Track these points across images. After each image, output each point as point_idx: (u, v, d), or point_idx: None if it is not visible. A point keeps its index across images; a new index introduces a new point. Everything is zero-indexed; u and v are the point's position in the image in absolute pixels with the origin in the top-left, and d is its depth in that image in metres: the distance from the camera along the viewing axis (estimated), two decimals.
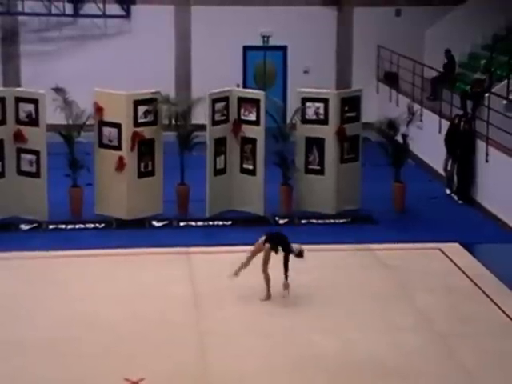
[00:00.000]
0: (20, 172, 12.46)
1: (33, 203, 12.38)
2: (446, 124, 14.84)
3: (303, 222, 12.81)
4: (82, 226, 12.24)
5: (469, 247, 11.56)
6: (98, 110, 12.46)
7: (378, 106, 18.06)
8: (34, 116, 12.26)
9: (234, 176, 13.19)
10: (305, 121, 13.21)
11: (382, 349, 8.45)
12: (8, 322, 8.88)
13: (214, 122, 12.90)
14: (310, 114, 13.14)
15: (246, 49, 18.86)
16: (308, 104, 13.13)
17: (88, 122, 12.68)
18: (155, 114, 12.61)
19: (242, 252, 11.02)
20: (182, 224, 12.48)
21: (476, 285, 10.23)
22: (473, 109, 14.50)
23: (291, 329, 8.92)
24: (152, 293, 9.80)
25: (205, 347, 8.46)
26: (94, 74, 16.76)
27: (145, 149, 12.57)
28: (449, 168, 14.38)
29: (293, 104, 13.67)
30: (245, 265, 9.55)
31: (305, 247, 11.47)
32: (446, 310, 9.51)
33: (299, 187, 13.33)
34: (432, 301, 9.72)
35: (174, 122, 12.70)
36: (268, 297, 9.52)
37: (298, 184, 13.33)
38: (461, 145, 13.98)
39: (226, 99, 13.03)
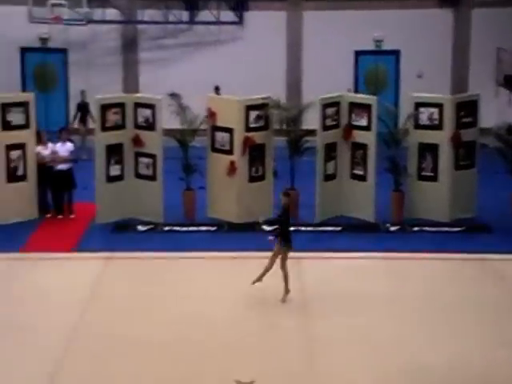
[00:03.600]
0: (138, 175, 12.88)
1: (149, 205, 12.77)
2: None
3: (415, 229, 12.55)
4: (195, 228, 12.52)
5: None
6: (211, 115, 12.73)
7: (496, 110, 17.39)
8: (151, 121, 12.66)
9: (344, 182, 13.12)
10: (418, 126, 12.95)
11: (495, 364, 8.14)
12: (125, 320, 9.19)
13: (325, 127, 12.90)
14: (424, 119, 12.88)
15: (357, 53, 18.71)
16: (421, 109, 12.87)
17: (201, 127, 12.98)
18: (266, 119, 12.77)
19: (352, 258, 11.01)
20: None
21: None
22: None
23: (399, 339, 8.76)
24: (261, 296, 9.86)
25: (313, 353, 8.46)
26: (208, 79, 17.15)
27: (256, 153, 12.76)
28: None
29: (405, 109, 13.44)
30: (268, 269, 9.54)
31: (416, 255, 11.24)
32: None
33: (411, 194, 13.07)
34: None
35: (284, 127, 12.84)
36: (287, 291, 9.53)
37: (410, 190, 13.08)
38: None
39: (336, 104, 13.01)
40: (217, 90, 15.67)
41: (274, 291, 10.02)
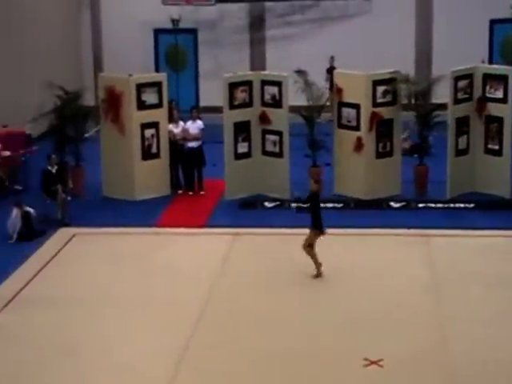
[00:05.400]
0: (265, 152, 12.88)
1: (276, 182, 12.76)
2: None
3: None
4: (322, 205, 12.11)
5: None
6: (338, 90, 12.56)
7: None
8: (277, 98, 12.64)
9: (477, 157, 12.53)
10: None
11: None
12: (253, 295, 9.27)
13: (457, 101, 12.35)
14: None
15: (493, 22, 17.68)
16: None
17: (328, 103, 12.83)
18: (394, 93, 12.43)
19: (485, 236, 10.49)
20: (420, 205, 12.19)
21: None
22: None
23: None
24: (390, 274, 9.70)
25: (446, 332, 8.17)
26: (335, 55, 16.85)
27: (383, 129, 12.46)
28: None
29: None
30: (315, 259, 9.52)
31: None
32: None
33: None
34: None
35: (413, 101, 12.46)
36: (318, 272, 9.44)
37: None
38: None
39: (469, 76, 12.41)
40: (332, 60, 15.63)
41: (404, 269, 9.76)
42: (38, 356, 7.86)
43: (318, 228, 9.55)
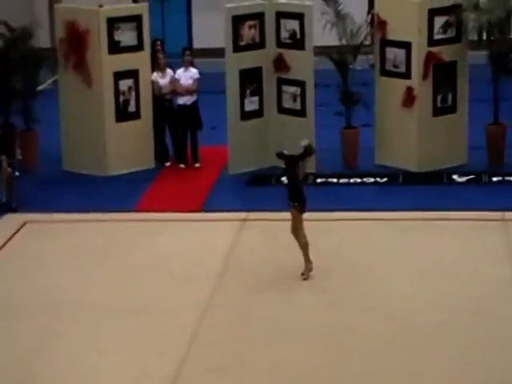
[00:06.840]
0: (281, 109, 12.82)
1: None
2: None
3: None
4: (358, 180, 12.41)
5: None
6: (380, 24, 12.41)
7: None
8: (298, 36, 12.52)
9: None
10: None
11: None
12: (264, 300, 9.14)
13: None
14: None
15: None
16: None
17: (366, 42, 12.76)
18: (458, 26, 12.32)
19: None
20: (494, 179, 12.21)
21: None
22: None
23: None
24: (456, 273, 9.54)
25: None
26: None
27: (443, 76, 12.37)
28: None
29: None
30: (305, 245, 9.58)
31: None
32: None
33: None
34: None
35: (485, 36, 12.37)
36: (310, 270, 9.51)
37: None
38: None
39: None
40: None
41: (475, 266, 9.59)
42: None
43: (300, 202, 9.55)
